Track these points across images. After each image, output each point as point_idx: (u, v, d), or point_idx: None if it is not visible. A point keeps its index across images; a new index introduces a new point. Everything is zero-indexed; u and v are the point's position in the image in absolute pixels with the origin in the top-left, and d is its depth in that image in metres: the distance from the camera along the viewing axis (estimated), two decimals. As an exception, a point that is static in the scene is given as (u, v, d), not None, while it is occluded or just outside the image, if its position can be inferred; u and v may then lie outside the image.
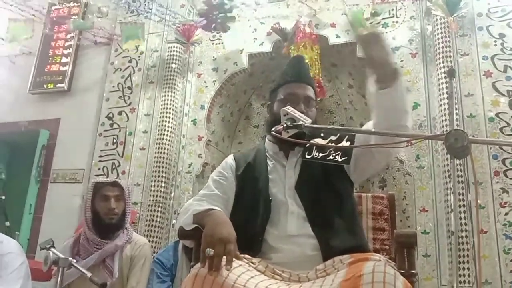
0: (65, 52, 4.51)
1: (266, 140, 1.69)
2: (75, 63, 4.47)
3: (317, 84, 3.52)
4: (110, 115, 4.15)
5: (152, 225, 3.59)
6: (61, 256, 1.83)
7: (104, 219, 2.30)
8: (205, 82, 4.04)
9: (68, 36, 4.54)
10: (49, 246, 1.88)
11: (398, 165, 3.52)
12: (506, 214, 2.90)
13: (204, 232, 1.26)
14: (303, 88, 1.60)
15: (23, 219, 4.11)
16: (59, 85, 4.41)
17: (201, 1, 3.80)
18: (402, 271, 1.25)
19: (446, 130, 1.03)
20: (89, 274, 1.79)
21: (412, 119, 1.39)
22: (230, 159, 1.66)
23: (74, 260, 1.87)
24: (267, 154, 1.62)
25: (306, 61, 3.48)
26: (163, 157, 3.76)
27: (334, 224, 1.43)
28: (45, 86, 4.46)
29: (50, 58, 4.55)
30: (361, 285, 1.10)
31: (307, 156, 1.46)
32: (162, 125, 3.85)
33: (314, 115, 1.57)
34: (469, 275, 2.74)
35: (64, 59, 4.49)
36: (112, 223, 2.31)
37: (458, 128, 1.21)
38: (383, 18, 3.62)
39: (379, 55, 1.33)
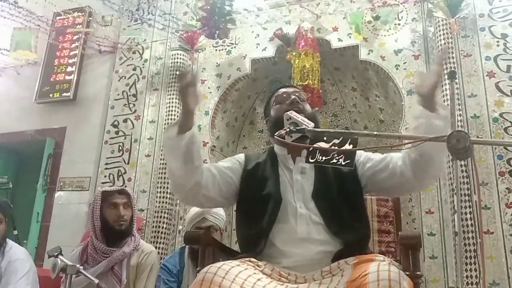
0: (70, 61, 4.55)
1: (275, 144, 1.72)
2: (80, 72, 4.51)
3: (316, 94, 3.55)
4: (116, 122, 4.18)
5: (158, 231, 3.60)
6: (69, 263, 1.85)
7: (114, 226, 2.32)
8: (209, 88, 4.07)
9: (73, 45, 4.59)
10: (56, 253, 1.89)
11: (403, 167, 3.52)
12: (513, 214, 2.89)
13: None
14: (290, 88, 1.73)
15: (31, 228, 4.14)
16: (64, 94, 4.44)
17: (200, 7, 3.82)
18: (407, 273, 1.25)
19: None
20: (96, 281, 1.81)
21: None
22: (241, 155, 1.70)
23: (82, 267, 1.89)
24: (277, 157, 1.65)
25: (307, 67, 3.53)
26: (169, 164, 3.77)
27: (350, 230, 1.45)
28: (50, 95, 4.50)
29: (55, 67, 4.59)
30: (366, 283, 1.12)
31: (310, 160, 1.47)
32: (167, 132, 3.87)
33: (309, 109, 1.66)
34: (476, 276, 2.73)
35: (69, 68, 4.53)
36: (122, 230, 2.33)
37: (460, 129, 1.22)
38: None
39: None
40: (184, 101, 1.42)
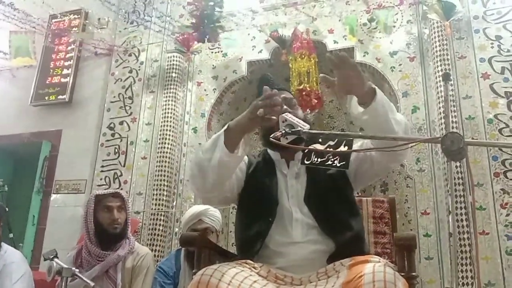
0: (66, 64, 4.54)
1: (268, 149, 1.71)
2: (76, 74, 4.49)
3: (315, 95, 3.55)
4: (112, 125, 4.18)
5: (154, 234, 3.60)
6: (65, 266, 1.85)
7: (108, 229, 2.30)
8: (205, 90, 4.07)
9: (69, 48, 4.58)
10: (52, 256, 1.89)
11: (399, 169, 3.53)
12: (507, 215, 2.91)
13: (235, 123, 1.44)
14: (280, 93, 1.65)
15: (27, 231, 4.12)
16: (60, 96, 4.43)
17: (190, 12, 3.84)
18: (403, 274, 1.26)
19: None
20: (92, 284, 1.80)
21: (404, 127, 1.43)
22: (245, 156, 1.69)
23: (77, 270, 1.88)
24: (273, 161, 1.65)
25: (304, 69, 3.54)
26: (165, 166, 3.78)
27: (344, 231, 1.45)
28: (46, 98, 4.49)
29: (51, 70, 4.58)
30: (362, 285, 1.13)
31: (305, 162, 1.48)
32: (163, 134, 3.87)
33: (301, 114, 1.63)
34: (471, 277, 2.75)
35: (65, 71, 4.52)
36: (116, 233, 2.31)
37: (454, 131, 1.24)
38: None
39: (352, 78, 1.36)
40: (254, 122, 1.41)
